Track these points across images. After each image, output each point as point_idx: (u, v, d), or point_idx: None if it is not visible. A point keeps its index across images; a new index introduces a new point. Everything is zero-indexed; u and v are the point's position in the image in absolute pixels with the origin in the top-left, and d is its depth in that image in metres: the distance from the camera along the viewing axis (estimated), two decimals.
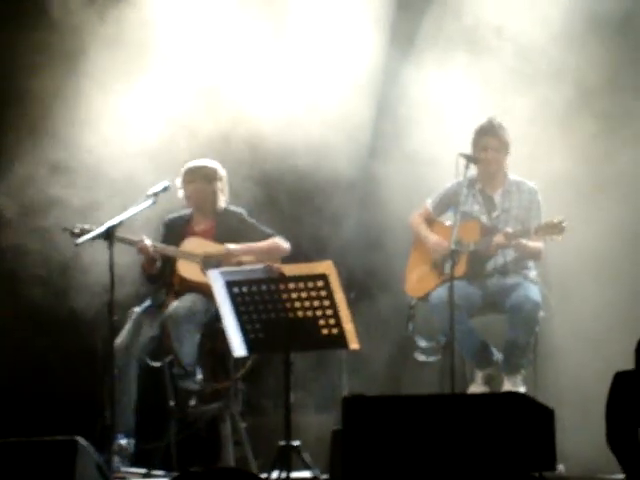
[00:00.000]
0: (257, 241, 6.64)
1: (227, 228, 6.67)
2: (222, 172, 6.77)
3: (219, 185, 6.74)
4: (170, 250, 6.58)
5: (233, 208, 6.79)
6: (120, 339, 6.39)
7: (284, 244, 6.68)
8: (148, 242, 6.51)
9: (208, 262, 6.52)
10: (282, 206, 7.48)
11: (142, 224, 6.65)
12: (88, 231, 6.28)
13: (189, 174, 6.70)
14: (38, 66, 7.27)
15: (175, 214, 6.83)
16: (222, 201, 6.76)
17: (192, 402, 6.37)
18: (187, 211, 6.81)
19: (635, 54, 7.09)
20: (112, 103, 7.25)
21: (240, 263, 6.52)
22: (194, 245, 6.62)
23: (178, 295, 6.51)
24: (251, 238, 6.64)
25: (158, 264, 6.57)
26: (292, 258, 6.62)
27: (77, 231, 6.46)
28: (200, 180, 6.70)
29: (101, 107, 7.26)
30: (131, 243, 6.48)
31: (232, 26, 7.37)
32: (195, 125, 7.26)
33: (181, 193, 6.73)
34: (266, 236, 6.68)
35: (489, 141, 6.54)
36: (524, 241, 6.39)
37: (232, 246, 6.56)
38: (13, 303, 7.34)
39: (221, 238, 6.63)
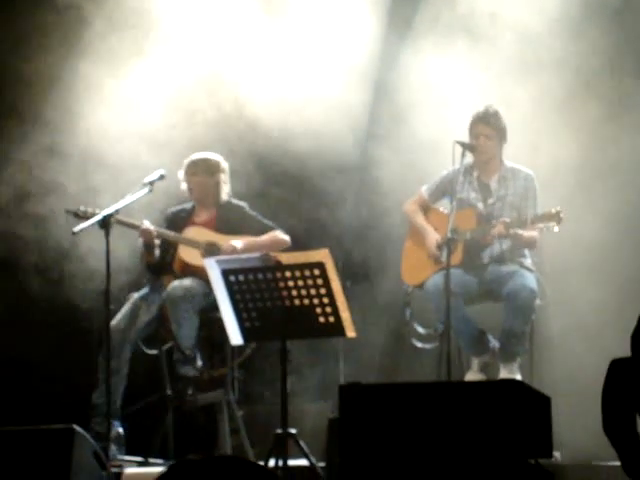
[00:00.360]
0: (257, 234, 6.64)
1: (228, 220, 6.67)
2: (224, 164, 6.77)
3: (222, 177, 6.74)
4: (172, 236, 6.58)
5: (235, 201, 6.78)
6: (116, 321, 6.39)
7: (284, 237, 6.69)
8: (150, 226, 6.51)
9: (210, 250, 6.52)
10: (280, 190, 7.46)
11: (142, 217, 6.62)
12: (92, 214, 6.29)
13: (192, 167, 6.68)
14: (35, 49, 7.24)
15: (177, 207, 6.82)
16: (224, 193, 6.76)
17: (190, 390, 6.37)
18: (189, 204, 6.81)
19: (635, 38, 7.07)
20: (112, 86, 7.22)
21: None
22: (195, 233, 6.62)
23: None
24: (251, 231, 6.64)
25: (157, 252, 6.57)
26: (291, 244, 6.63)
27: (81, 213, 6.45)
28: (203, 173, 6.68)
29: (100, 90, 7.23)
30: (132, 226, 6.48)
31: (231, 10, 7.35)
32: (194, 109, 7.24)
33: (184, 185, 6.71)
34: (266, 229, 6.68)
35: (482, 128, 6.54)
36: (520, 231, 6.39)
37: (236, 243, 6.55)
38: (9, 290, 7.33)
39: (221, 229, 6.63)
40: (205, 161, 6.72)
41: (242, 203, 6.79)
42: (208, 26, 7.32)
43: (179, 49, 7.31)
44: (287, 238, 6.69)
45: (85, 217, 6.33)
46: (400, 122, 7.28)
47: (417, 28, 7.47)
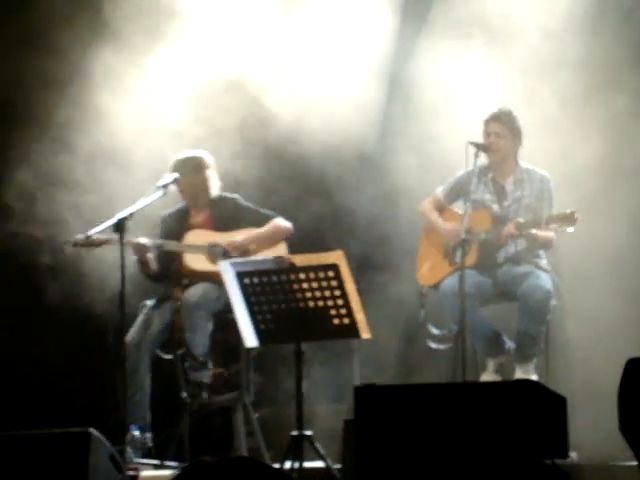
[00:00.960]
0: (257, 224, 6.63)
1: (223, 215, 6.65)
2: (209, 159, 6.72)
3: (208, 173, 6.71)
4: (174, 245, 6.57)
5: (227, 194, 6.76)
6: (131, 335, 6.39)
7: (286, 224, 6.67)
8: (144, 241, 6.46)
9: (213, 251, 6.52)
10: (293, 186, 7.45)
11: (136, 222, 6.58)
12: (87, 240, 6.28)
13: (177, 168, 6.59)
14: (56, 44, 7.27)
15: (171, 209, 6.80)
16: (214, 188, 6.73)
17: (204, 394, 6.37)
18: (182, 204, 6.79)
19: None
20: (132, 77, 7.24)
21: (246, 250, 6.53)
22: (197, 237, 6.61)
23: (189, 287, 6.51)
24: (250, 222, 6.63)
25: (153, 266, 6.54)
26: (303, 240, 6.62)
27: (80, 242, 6.44)
28: (189, 172, 6.62)
29: (121, 82, 7.24)
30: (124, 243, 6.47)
31: (250, 6, 7.35)
32: (213, 104, 7.24)
33: (173, 188, 6.64)
34: (266, 218, 6.66)
35: (493, 126, 6.53)
36: (535, 231, 6.37)
37: (237, 238, 6.55)
38: (25, 295, 7.36)
39: (219, 227, 6.62)
40: (189, 160, 6.66)
41: (234, 195, 6.77)
42: (227, 22, 7.31)
43: (199, 44, 7.31)
44: (289, 225, 6.67)
45: (87, 244, 6.36)
46: (414, 120, 7.28)
47: (432, 25, 7.46)
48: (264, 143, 7.35)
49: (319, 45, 7.32)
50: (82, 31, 7.27)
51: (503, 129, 6.53)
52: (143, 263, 6.50)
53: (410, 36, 7.49)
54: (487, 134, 6.54)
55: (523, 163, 6.63)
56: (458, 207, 6.68)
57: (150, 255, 6.51)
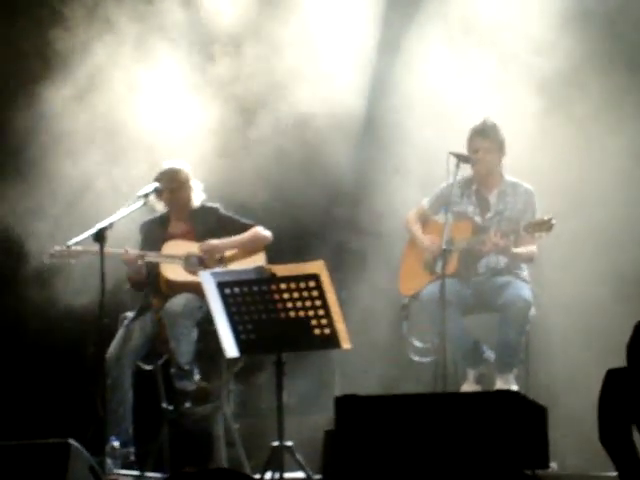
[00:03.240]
0: (237, 234, 6.63)
1: (206, 227, 6.65)
2: (187, 169, 6.71)
3: (190, 184, 6.68)
4: (152, 256, 6.56)
5: (208, 204, 6.76)
6: (111, 350, 6.36)
7: (265, 232, 6.67)
8: (133, 252, 6.47)
9: (189, 261, 6.52)
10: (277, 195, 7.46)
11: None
12: (66, 250, 6.31)
13: (158, 178, 6.57)
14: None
15: (150, 217, 6.78)
16: (195, 199, 6.73)
17: (187, 404, 6.36)
18: (161, 213, 6.76)
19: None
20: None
21: (223, 258, 6.53)
22: (175, 247, 6.59)
23: (167, 298, 6.49)
24: (231, 232, 6.62)
25: (144, 270, 6.55)
26: (289, 252, 6.63)
27: (56, 253, 6.48)
28: (170, 182, 6.60)
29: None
30: (116, 255, 6.46)
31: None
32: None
33: (153, 197, 6.60)
34: (246, 227, 6.66)
35: (480, 142, 6.54)
36: (516, 250, 6.39)
37: (214, 242, 6.55)
38: (7, 304, 7.34)
39: (201, 237, 6.61)
40: (170, 170, 6.64)
41: (215, 205, 6.76)
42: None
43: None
44: (268, 234, 6.67)
45: (55, 256, 6.43)
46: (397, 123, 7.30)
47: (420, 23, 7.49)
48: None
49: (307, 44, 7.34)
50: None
51: (490, 143, 6.54)
52: (136, 270, 6.49)
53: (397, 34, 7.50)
54: (474, 150, 6.53)
55: (508, 176, 6.64)
56: (441, 218, 6.68)
57: (140, 262, 6.50)
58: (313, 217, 7.47)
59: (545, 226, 6.25)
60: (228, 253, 6.58)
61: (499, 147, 6.56)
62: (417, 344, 6.57)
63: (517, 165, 6.66)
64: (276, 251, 6.64)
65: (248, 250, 6.58)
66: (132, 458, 6.29)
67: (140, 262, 6.50)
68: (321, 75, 7.30)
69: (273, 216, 7.03)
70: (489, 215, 6.60)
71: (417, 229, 6.74)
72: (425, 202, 6.80)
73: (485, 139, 6.53)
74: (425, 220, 6.77)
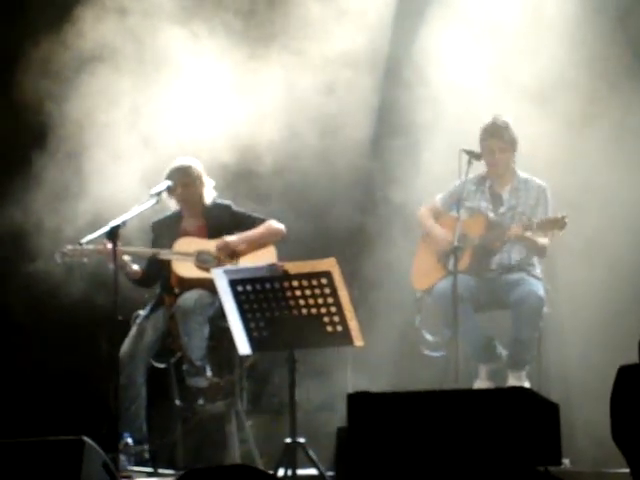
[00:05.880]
0: (250, 229, 6.63)
1: (219, 223, 6.65)
2: (199, 167, 6.70)
3: (200, 181, 6.69)
4: (163, 253, 6.56)
5: (220, 201, 6.76)
6: (125, 347, 6.38)
7: (278, 225, 6.67)
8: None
9: (202, 258, 6.53)
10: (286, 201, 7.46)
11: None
12: (78, 249, 6.32)
13: (170, 176, 6.57)
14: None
15: (161, 216, 6.78)
16: (207, 195, 6.73)
17: (200, 401, 6.37)
18: (176, 210, 6.76)
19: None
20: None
21: (235, 254, 6.53)
22: (187, 244, 6.60)
23: (179, 295, 6.50)
24: (245, 228, 6.62)
25: (135, 267, 6.55)
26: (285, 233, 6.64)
27: (66, 250, 6.49)
28: (182, 180, 6.60)
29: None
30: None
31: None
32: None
33: (165, 195, 6.59)
34: (258, 222, 6.67)
35: (495, 143, 6.54)
36: (533, 237, 6.40)
37: (229, 238, 6.56)
38: (21, 302, 7.35)
39: (215, 234, 6.61)
40: (179, 170, 6.63)
41: (227, 202, 6.76)
42: None
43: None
44: (281, 227, 6.67)
45: (68, 255, 6.44)
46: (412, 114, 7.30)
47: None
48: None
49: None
50: None
51: (505, 144, 6.56)
52: (126, 273, 6.51)
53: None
54: (490, 151, 6.54)
55: (521, 172, 6.65)
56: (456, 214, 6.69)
57: (127, 257, 6.48)
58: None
59: (559, 224, 6.26)
60: (241, 248, 6.58)
61: (513, 145, 6.58)
62: (429, 338, 6.58)
63: (532, 161, 6.68)
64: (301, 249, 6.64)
65: (261, 243, 6.60)
66: (145, 455, 6.31)
67: (126, 257, 6.47)
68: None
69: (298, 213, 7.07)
70: (502, 210, 6.61)
71: (431, 223, 6.74)
72: (438, 199, 6.81)
73: (499, 139, 6.54)
74: (437, 217, 6.77)
